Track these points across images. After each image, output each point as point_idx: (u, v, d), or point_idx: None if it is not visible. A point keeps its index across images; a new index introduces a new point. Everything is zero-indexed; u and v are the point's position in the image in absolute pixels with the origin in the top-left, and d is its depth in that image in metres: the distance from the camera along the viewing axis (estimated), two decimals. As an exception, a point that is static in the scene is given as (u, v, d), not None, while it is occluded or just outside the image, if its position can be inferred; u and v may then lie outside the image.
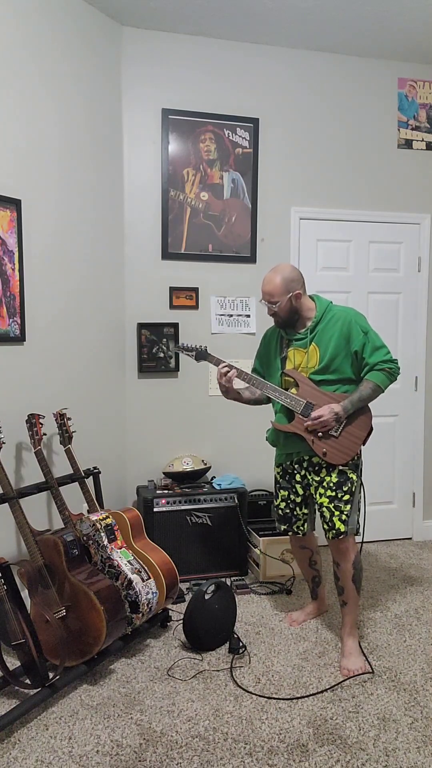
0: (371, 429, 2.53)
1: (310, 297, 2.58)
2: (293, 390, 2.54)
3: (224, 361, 2.59)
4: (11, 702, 2.27)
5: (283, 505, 2.72)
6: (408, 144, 3.85)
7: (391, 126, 3.81)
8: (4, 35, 2.68)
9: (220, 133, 3.54)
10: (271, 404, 2.72)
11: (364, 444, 2.52)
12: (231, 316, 3.66)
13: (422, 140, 3.87)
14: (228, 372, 2.55)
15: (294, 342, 2.56)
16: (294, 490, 2.66)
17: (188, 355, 2.72)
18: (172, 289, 3.55)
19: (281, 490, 2.71)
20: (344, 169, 3.76)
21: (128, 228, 3.47)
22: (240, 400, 2.71)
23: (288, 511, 2.71)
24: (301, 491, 2.65)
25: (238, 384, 2.69)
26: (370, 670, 2.46)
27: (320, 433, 2.47)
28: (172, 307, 3.56)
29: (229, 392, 2.64)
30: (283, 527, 2.76)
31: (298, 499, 2.67)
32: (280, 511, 2.74)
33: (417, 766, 1.93)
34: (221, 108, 3.53)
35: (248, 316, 3.68)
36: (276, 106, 3.62)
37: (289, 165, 3.68)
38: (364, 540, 2.77)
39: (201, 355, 2.68)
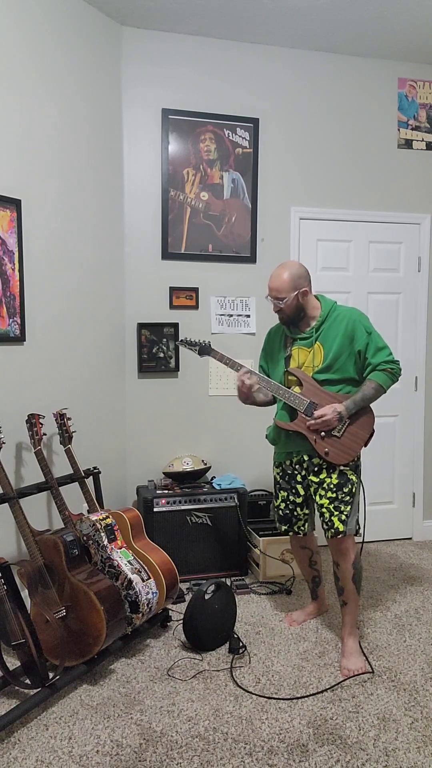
0: (373, 431, 2.52)
1: (315, 296, 2.58)
2: (296, 389, 2.54)
3: (233, 359, 2.57)
4: (11, 702, 2.27)
5: (283, 505, 2.71)
6: (408, 144, 3.85)
7: (391, 126, 3.81)
8: (4, 35, 2.68)
9: (220, 133, 3.54)
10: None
11: (366, 445, 2.52)
12: (231, 316, 3.66)
13: (422, 140, 3.87)
14: (248, 379, 2.51)
15: (298, 341, 2.56)
16: (294, 490, 2.66)
17: (191, 349, 2.69)
18: (172, 289, 3.55)
19: (281, 491, 2.71)
20: (344, 169, 3.76)
21: (128, 228, 3.47)
22: (256, 404, 2.67)
23: (288, 511, 2.70)
24: (302, 492, 2.64)
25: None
26: (370, 670, 2.46)
27: (323, 433, 2.47)
28: (172, 307, 3.56)
29: (248, 399, 2.60)
30: (283, 527, 2.75)
31: (299, 500, 2.67)
32: (280, 512, 2.74)
33: (417, 766, 1.93)
34: (221, 108, 3.53)
35: (248, 316, 3.68)
36: (276, 106, 3.62)
37: (289, 165, 3.68)
38: (364, 540, 2.76)
39: (204, 350, 2.66)
